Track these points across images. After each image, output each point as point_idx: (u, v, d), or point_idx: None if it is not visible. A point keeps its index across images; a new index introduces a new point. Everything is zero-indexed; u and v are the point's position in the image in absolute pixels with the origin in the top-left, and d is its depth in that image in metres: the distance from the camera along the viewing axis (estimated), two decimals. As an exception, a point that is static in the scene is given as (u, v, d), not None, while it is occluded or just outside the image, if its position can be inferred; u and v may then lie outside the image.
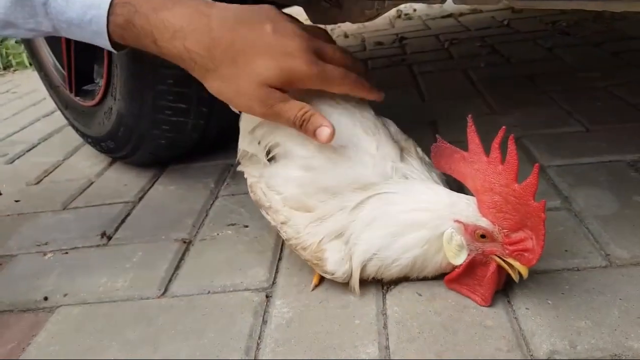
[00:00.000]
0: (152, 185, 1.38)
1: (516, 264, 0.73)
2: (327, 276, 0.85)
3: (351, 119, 0.88)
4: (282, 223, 0.88)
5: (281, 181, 0.89)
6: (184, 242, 1.09)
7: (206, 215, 1.19)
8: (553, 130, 1.34)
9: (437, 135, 0.85)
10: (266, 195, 0.90)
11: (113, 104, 1.31)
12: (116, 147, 1.41)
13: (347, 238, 0.83)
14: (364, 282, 0.87)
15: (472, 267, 0.78)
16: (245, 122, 0.99)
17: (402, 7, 3.56)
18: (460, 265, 0.78)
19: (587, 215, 0.96)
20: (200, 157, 1.48)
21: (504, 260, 0.75)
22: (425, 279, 0.84)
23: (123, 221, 1.22)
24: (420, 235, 0.79)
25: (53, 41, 1.61)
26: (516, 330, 0.73)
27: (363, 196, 0.82)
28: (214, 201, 1.25)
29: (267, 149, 0.92)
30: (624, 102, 1.44)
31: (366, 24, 3.17)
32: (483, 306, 0.78)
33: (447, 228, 0.78)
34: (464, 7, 3.17)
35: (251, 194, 0.95)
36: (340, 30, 3.06)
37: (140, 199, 1.32)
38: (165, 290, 0.95)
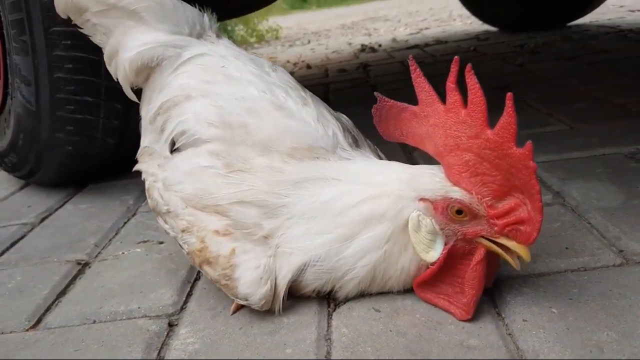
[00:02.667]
0: (62, 205, 1.15)
1: (511, 243, 0.51)
2: (239, 301, 0.63)
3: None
4: (183, 231, 0.65)
5: (182, 175, 0.67)
6: (79, 263, 0.85)
7: (116, 233, 0.96)
8: (532, 131, 1.16)
9: (375, 93, 0.62)
10: (163, 197, 0.68)
11: (11, 105, 1.09)
12: (19, 160, 1.17)
13: (275, 244, 0.61)
14: (304, 298, 0.64)
15: (451, 263, 0.56)
16: (145, 108, 0.77)
17: (366, 42, 3.49)
18: (436, 262, 0.56)
19: (587, 209, 0.77)
20: (124, 174, 1.24)
21: (494, 242, 0.53)
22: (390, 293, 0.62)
23: (13, 244, 0.98)
24: (379, 233, 0.57)
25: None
26: (512, 351, 0.51)
27: (302, 175, 0.61)
28: (129, 218, 1.02)
29: (171, 138, 0.71)
30: (609, 102, 1.28)
31: (330, 56, 3.05)
32: (463, 320, 0.56)
33: (411, 212, 0.56)
34: (429, 39, 3.09)
35: (148, 200, 0.73)
36: (303, 64, 2.92)
37: (43, 219, 1.08)
38: (38, 321, 0.71)
